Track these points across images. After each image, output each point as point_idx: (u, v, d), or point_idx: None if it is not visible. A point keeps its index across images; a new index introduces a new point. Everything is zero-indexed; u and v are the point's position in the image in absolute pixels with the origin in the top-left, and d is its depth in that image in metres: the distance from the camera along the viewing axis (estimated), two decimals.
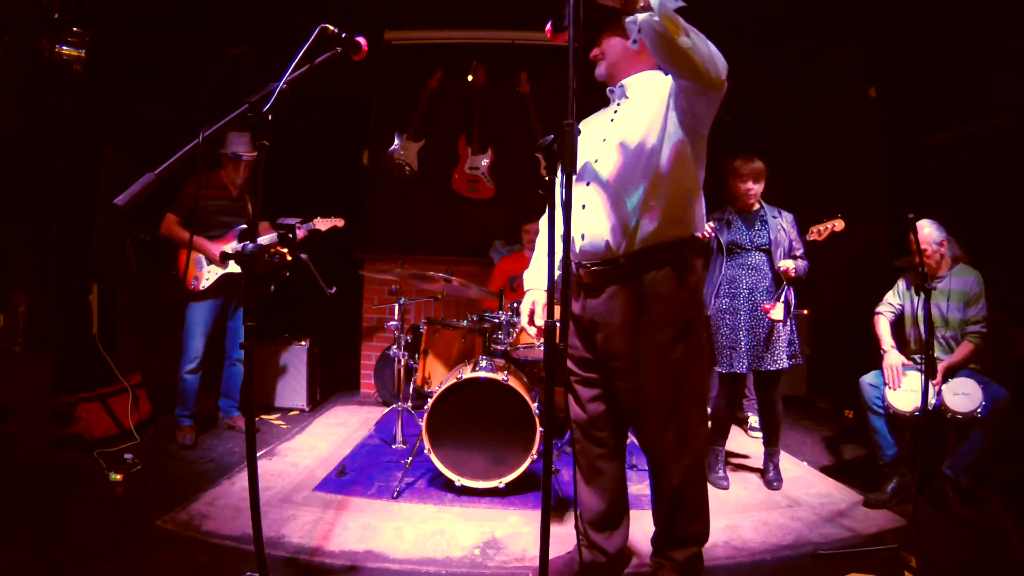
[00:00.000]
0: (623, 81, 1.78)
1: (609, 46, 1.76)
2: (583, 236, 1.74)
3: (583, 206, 1.73)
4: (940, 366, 2.59)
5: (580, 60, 1.28)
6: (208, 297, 3.21)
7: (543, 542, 1.26)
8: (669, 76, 1.57)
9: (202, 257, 3.18)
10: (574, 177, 1.76)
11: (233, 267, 3.15)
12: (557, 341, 1.24)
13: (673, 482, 1.72)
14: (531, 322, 1.86)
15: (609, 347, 1.73)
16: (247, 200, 3.30)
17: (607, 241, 1.68)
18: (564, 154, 1.24)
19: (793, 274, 2.71)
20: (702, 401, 1.86)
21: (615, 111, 1.79)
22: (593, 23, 1.68)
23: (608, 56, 1.77)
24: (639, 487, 2.69)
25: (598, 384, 1.83)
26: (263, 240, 3.09)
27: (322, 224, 3.24)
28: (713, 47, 1.44)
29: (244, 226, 3.14)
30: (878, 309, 2.91)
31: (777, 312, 2.68)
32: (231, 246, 3.15)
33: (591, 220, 1.71)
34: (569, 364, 1.86)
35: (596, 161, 1.73)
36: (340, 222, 3.25)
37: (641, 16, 1.40)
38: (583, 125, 1.89)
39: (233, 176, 3.27)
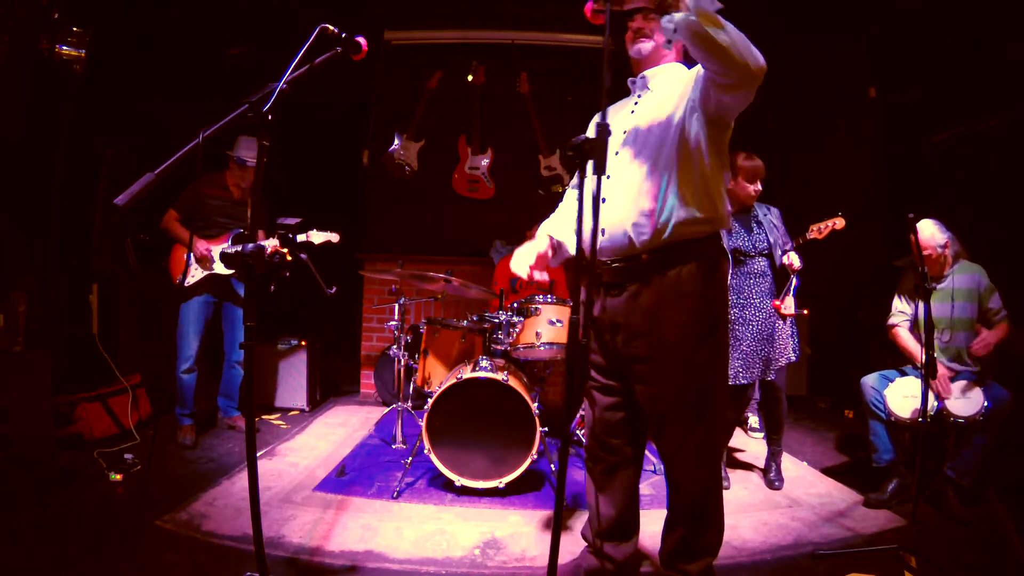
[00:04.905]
0: (645, 72, 1.73)
1: (651, 31, 1.67)
2: (603, 232, 1.65)
3: (603, 200, 1.64)
4: (985, 339, 2.52)
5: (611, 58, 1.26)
6: (197, 295, 3.20)
7: (553, 547, 1.21)
8: (693, 68, 1.53)
9: (191, 255, 3.19)
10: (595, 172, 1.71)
11: (219, 269, 3.16)
12: (580, 336, 1.23)
13: (694, 492, 1.65)
14: (525, 262, 1.69)
15: (630, 349, 1.65)
16: (248, 205, 3.29)
17: (629, 237, 1.61)
18: (596, 153, 1.22)
19: (798, 266, 2.62)
20: (725, 407, 1.77)
21: (635, 103, 1.73)
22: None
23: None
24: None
25: (617, 392, 1.75)
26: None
27: (316, 237, 3.15)
28: (746, 38, 1.39)
29: (240, 231, 3.17)
30: (892, 321, 2.82)
31: (788, 306, 2.63)
32: (225, 247, 3.18)
33: (612, 215, 1.64)
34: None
35: (616, 154, 1.67)
36: (335, 237, 3.18)
37: (678, 16, 1.35)
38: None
39: (239, 179, 3.27)
